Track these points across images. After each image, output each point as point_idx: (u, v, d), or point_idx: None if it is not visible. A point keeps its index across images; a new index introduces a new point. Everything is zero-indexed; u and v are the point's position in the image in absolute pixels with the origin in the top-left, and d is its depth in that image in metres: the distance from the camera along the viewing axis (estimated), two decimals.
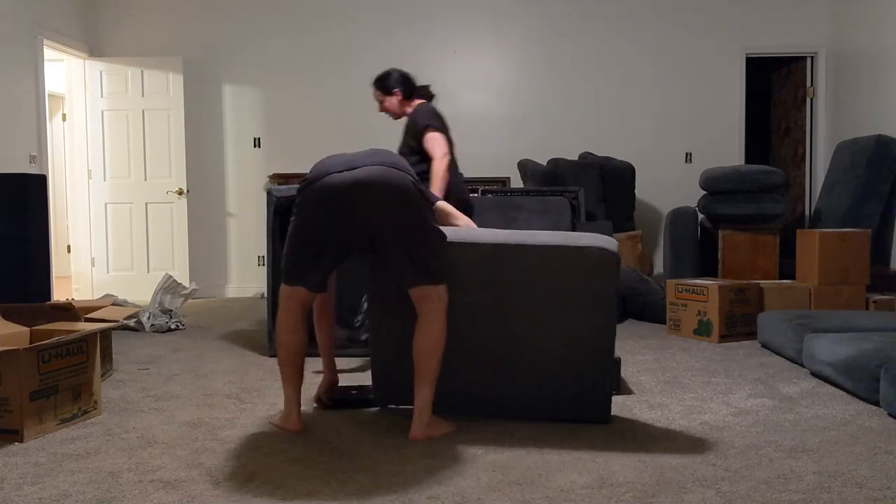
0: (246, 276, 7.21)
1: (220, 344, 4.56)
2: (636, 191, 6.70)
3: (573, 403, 2.80)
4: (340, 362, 3.87)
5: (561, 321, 2.74)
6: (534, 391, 2.80)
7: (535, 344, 2.76)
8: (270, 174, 7.05)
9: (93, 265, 6.88)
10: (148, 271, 6.80)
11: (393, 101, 4.02)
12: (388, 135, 6.99)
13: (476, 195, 5.45)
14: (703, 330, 4.54)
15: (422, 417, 2.65)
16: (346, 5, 7.03)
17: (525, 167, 6.14)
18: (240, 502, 2.09)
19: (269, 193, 4.14)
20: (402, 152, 3.89)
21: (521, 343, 2.77)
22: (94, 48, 6.92)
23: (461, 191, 4.03)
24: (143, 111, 6.79)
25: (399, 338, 2.84)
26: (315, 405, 3.08)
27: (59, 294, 6.32)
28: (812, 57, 6.91)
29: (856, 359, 3.14)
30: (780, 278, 5.37)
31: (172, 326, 5.07)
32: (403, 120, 4.06)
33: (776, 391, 3.29)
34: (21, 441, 2.62)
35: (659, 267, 6.92)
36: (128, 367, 3.92)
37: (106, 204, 6.85)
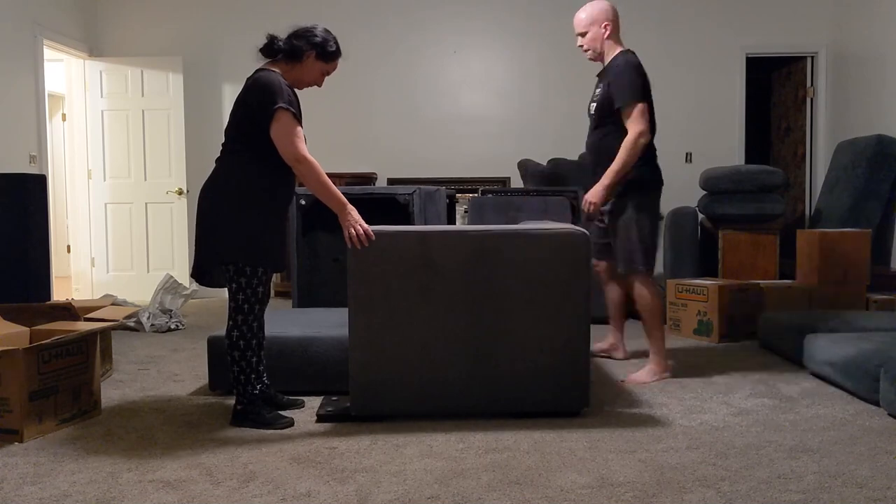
0: None
1: None
2: None
3: (549, 393, 2.81)
4: None
5: (535, 307, 2.76)
6: (509, 382, 2.80)
7: (510, 332, 2.78)
8: None
9: (93, 265, 6.87)
10: (148, 271, 6.79)
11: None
12: (387, 134, 6.99)
13: (476, 195, 5.45)
14: (703, 330, 4.54)
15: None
16: (345, 5, 7.03)
17: (525, 167, 6.13)
18: (240, 502, 2.09)
19: (296, 195, 4.11)
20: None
21: (497, 332, 2.78)
22: (94, 48, 6.91)
23: None
24: (142, 111, 6.79)
25: (379, 341, 2.78)
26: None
27: (59, 294, 6.30)
28: (812, 57, 6.90)
29: (856, 359, 3.14)
30: (780, 278, 5.36)
31: (172, 326, 5.07)
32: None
33: (776, 391, 3.29)
34: (21, 441, 2.63)
35: (659, 267, 6.90)
36: (128, 367, 3.92)
37: (106, 204, 6.84)
